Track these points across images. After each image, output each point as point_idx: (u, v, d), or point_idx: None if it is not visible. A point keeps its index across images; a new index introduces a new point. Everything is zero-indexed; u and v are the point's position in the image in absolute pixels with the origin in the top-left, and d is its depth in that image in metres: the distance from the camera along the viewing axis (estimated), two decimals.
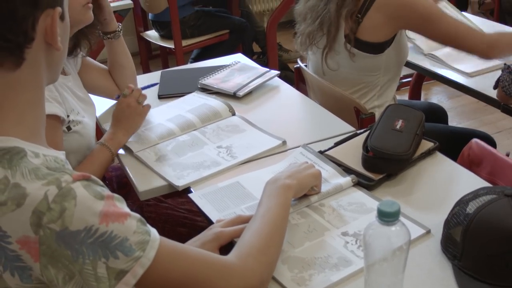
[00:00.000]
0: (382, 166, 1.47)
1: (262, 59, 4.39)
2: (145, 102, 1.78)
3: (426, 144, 1.58)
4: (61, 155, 0.98)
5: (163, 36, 4.02)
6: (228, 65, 2.25)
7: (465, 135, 2.09)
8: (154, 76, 2.26)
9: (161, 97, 2.07)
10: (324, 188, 1.41)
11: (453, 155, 1.62)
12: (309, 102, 2.05)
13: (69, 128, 1.57)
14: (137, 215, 0.94)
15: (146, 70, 4.34)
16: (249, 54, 4.21)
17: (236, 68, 2.22)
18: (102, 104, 1.98)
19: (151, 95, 2.08)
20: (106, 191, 0.92)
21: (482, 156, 1.64)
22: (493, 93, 1.96)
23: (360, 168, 1.49)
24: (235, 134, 1.76)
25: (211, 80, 2.11)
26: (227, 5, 4.31)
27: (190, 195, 1.48)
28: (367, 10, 1.94)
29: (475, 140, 1.69)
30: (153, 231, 0.96)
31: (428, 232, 1.27)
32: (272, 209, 1.19)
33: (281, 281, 1.15)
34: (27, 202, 0.86)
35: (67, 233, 0.86)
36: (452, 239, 1.18)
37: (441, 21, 1.96)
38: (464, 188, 1.31)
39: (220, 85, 2.07)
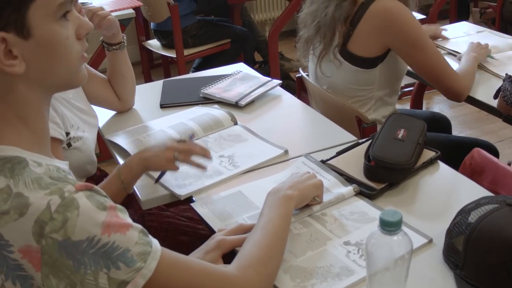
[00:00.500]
0: (384, 176, 1.48)
1: (264, 68, 4.40)
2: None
3: (428, 153, 1.59)
4: (64, 165, 0.98)
5: (165, 45, 4.03)
6: (230, 75, 2.25)
7: (467, 144, 2.08)
8: (156, 86, 2.26)
9: (163, 106, 2.07)
10: (326, 197, 1.41)
11: (455, 164, 1.62)
12: (311, 111, 2.06)
13: (69, 145, 1.57)
14: (139, 226, 0.95)
15: (148, 79, 4.34)
16: (251, 63, 4.21)
17: (238, 78, 2.23)
18: (105, 115, 1.99)
19: (152, 104, 2.09)
20: (108, 202, 0.93)
21: (484, 165, 1.64)
22: (494, 103, 1.95)
23: (362, 178, 1.50)
24: (237, 144, 1.76)
25: (213, 90, 2.11)
26: (229, 15, 4.32)
27: (192, 204, 1.48)
28: (360, 19, 1.93)
29: (476, 149, 1.69)
30: (155, 242, 0.96)
31: (430, 241, 1.27)
32: (273, 220, 1.19)
33: None
34: (30, 211, 0.86)
35: (69, 243, 0.86)
36: (454, 249, 1.18)
37: (425, 51, 1.94)
38: (466, 197, 1.31)
39: (222, 95, 2.07)
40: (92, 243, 0.88)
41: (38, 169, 0.92)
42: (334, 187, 1.47)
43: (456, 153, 1.84)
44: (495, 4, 4.55)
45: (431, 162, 1.57)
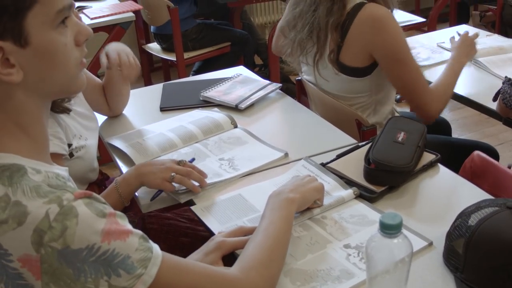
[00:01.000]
0: (384, 179, 1.48)
1: (264, 72, 4.40)
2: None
3: (428, 156, 1.59)
4: (63, 171, 0.98)
5: (165, 49, 4.03)
6: (230, 78, 2.25)
7: (467, 147, 2.07)
8: (156, 89, 2.27)
9: (163, 109, 2.07)
10: (326, 200, 1.41)
11: (455, 167, 1.62)
12: (311, 114, 2.05)
13: (71, 155, 1.57)
14: (139, 232, 0.95)
15: (148, 82, 4.35)
16: (251, 66, 4.21)
17: (238, 81, 2.23)
18: (104, 117, 1.99)
19: (152, 107, 2.09)
20: (108, 209, 0.92)
21: (484, 168, 1.64)
22: (494, 106, 1.95)
23: (362, 181, 1.50)
24: (237, 147, 1.76)
25: (213, 93, 2.12)
26: (229, 18, 4.33)
27: (192, 207, 1.48)
28: (349, 27, 1.88)
29: (477, 152, 1.69)
30: (155, 247, 0.96)
31: (430, 244, 1.27)
32: (275, 222, 1.19)
33: None
34: (28, 220, 0.86)
35: (69, 251, 0.86)
36: (454, 251, 1.18)
37: (405, 66, 1.89)
38: (466, 200, 1.31)
39: (222, 98, 2.08)
40: (92, 251, 0.87)
41: (36, 177, 0.91)
42: (334, 190, 1.47)
43: (456, 156, 1.84)
44: (495, 7, 4.56)
45: (431, 165, 1.57)
